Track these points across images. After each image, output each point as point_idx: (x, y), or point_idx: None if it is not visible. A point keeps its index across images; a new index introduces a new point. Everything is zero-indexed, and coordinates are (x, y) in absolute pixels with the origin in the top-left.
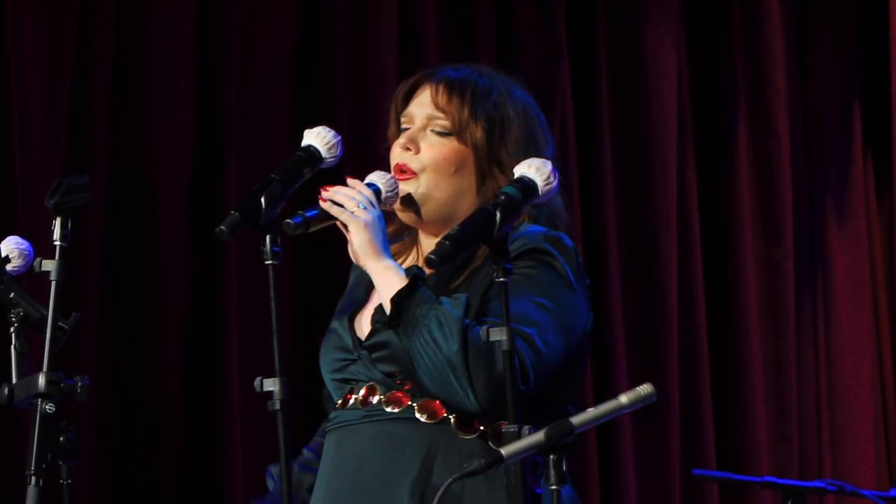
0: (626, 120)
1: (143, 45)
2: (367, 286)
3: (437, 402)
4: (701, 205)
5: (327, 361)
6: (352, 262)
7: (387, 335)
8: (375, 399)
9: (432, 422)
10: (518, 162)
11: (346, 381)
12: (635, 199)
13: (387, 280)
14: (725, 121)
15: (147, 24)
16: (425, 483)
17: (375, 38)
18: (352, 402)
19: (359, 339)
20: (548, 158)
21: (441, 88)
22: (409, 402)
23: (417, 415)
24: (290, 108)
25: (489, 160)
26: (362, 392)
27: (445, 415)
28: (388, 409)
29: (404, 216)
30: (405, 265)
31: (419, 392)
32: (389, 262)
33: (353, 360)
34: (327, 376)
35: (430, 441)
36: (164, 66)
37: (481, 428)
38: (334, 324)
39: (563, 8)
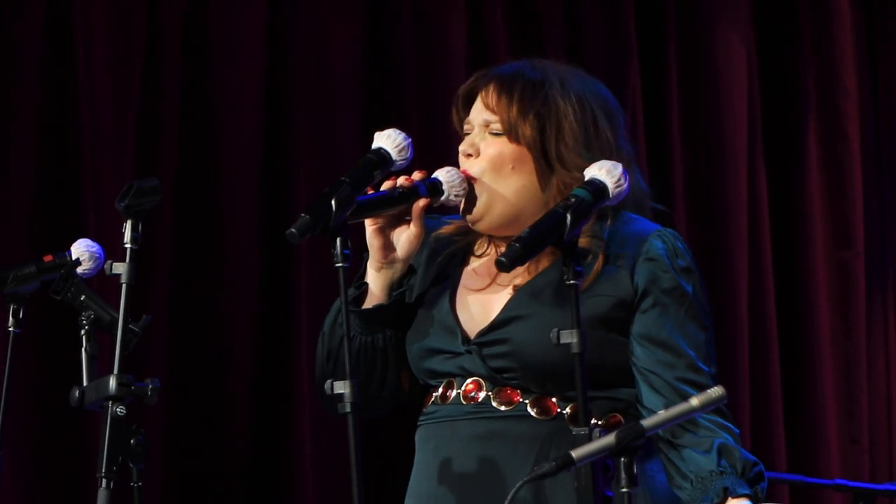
0: (696, 120)
1: (210, 47)
2: (457, 268)
3: (550, 398)
4: (771, 207)
5: (424, 353)
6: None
7: (508, 332)
8: (482, 395)
9: (545, 418)
10: (579, 154)
11: (445, 374)
12: (705, 200)
13: None
14: (795, 122)
15: (215, 27)
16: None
17: (444, 41)
18: (453, 396)
19: (466, 333)
20: (616, 142)
21: (491, 90)
22: (521, 399)
23: (530, 411)
24: (359, 110)
25: (546, 156)
26: (466, 387)
27: (559, 411)
28: (497, 406)
29: (476, 227)
30: (483, 255)
31: (529, 388)
32: None
33: (459, 354)
34: (422, 366)
35: (542, 437)
36: (232, 68)
37: (594, 422)
38: (425, 311)
39: (632, 8)
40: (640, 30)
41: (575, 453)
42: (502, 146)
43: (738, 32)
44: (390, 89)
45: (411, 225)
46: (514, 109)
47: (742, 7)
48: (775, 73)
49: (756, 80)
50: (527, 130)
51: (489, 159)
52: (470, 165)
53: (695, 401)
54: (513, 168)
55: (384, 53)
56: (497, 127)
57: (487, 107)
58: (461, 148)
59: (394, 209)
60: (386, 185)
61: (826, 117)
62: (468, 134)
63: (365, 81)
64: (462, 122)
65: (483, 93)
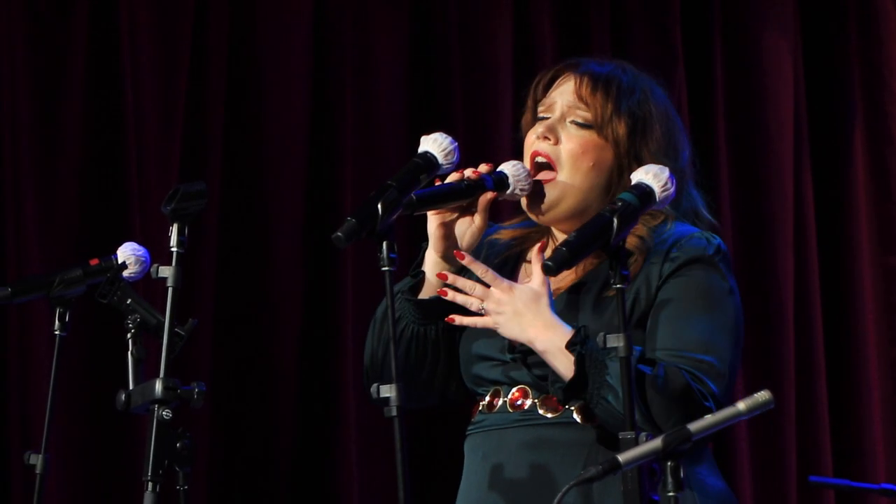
0: (742, 126)
1: (257, 53)
2: (510, 273)
3: None
4: (817, 212)
5: (472, 359)
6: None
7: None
8: (528, 403)
9: (591, 424)
10: (658, 161)
11: (491, 381)
12: (751, 206)
13: (553, 358)
14: (842, 128)
15: (261, 28)
16: (589, 485)
17: (490, 51)
18: (500, 405)
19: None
20: (684, 161)
21: (586, 80)
22: (567, 406)
23: (576, 417)
24: (406, 113)
25: (629, 157)
26: (512, 395)
27: None
28: (543, 413)
29: (539, 219)
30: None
31: None
32: (548, 338)
33: (505, 362)
34: (470, 372)
35: (590, 443)
36: (279, 70)
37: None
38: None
39: (678, 14)
40: (686, 36)
41: (622, 457)
42: (587, 140)
43: (785, 37)
44: (436, 93)
45: (476, 218)
46: (611, 105)
47: (788, 12)
48: (821, 78)
49: (802, 84)
50: (620, 128)
51: (571, 151)
52: (547, 149)
53: (741, 405)
54: (592, 165)
55: (431, 58)
56: (585, 116)
57: (580, 96)
58: (538, 130)
59: (459, 202)
60: (453, 177)
61: (873, 121)
62: (544, 118)
63: (411, 85)
64: (537, 103)
65: (576, 81)
